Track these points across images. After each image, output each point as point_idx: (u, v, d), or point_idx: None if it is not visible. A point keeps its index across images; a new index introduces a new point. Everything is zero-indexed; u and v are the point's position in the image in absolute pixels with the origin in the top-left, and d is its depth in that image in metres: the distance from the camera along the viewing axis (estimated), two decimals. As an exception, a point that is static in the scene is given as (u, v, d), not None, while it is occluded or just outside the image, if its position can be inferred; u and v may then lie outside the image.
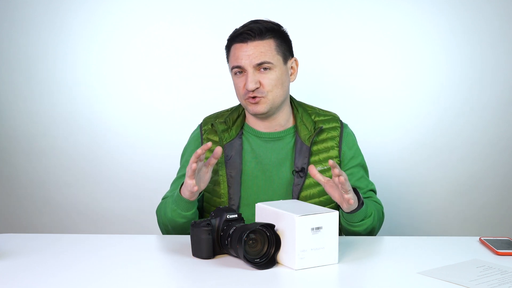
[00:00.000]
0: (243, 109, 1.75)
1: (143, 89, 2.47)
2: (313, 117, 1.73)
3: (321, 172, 1.64)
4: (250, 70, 1.61)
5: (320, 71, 2.40)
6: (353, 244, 1.47)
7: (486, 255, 1.39)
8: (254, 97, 1.62)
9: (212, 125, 1.73)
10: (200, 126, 1.78)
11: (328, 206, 1.63)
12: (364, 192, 1.71)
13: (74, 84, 2.48)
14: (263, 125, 1.71)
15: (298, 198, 1.65)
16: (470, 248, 1.44)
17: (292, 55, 1.70)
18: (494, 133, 2.39)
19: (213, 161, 1.54)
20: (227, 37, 1.69)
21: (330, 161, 1.41)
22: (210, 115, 1.79)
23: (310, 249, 1.27)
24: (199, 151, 1.45)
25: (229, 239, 1.31)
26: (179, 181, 1.71)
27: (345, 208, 1.51)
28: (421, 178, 2.42)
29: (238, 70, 1.64)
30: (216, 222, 1.35)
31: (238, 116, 1.74)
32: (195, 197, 1.54)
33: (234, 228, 1.31)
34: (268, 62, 1.61)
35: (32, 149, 2.51)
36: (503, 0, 2.34)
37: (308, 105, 1.78)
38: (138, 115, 2.47)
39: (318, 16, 2.39)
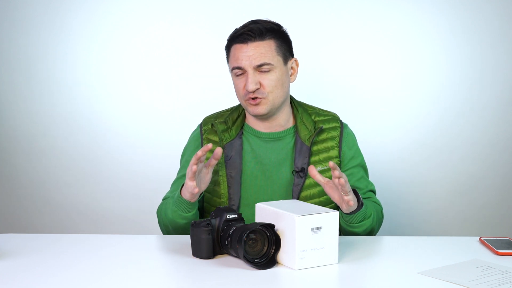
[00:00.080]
0: (243, 109, 1.75)
1: (143, 89, 2.47)
2: (313, 117, 1.73)
3: (321, 172, 1.64)
4: (250, 71, 1.61)
5: (320, 71, 2.40)
6: (353, 244, 1.47)
7: (486, 255, 1.39)
8: (254, 98, 1.62)
9: (212, 125, 1.73)
10: (200, 126, 1.78)
11: (328, 206, 1.62)
12: (364, 193, 1.71)
13: (74, 84, 2.48)
14: (263, 125, 1.71)
15: (298, 198, 1.65)
16: (470, 248, 1.44)
17: (292, 55, 1.70)
18: (494, 133, 2.39)
19: (213, 162, 1.53)
20: (227, 37, 1.69)
21: (330, 163, 1.41)
22: (210, 115, 1.79)
23: (310, 249, 1.27)
24: (199, 153, 1.45)
25: (229, 239, 1.31)
26: (179, 182, 1.71)
27: (345, 209, 1.51)
28: (421, 178, 2.42)
29: (238, 71, 1.64)
30: (216, 222, 1.35)
31: (238, 116, 1.74)
32: (195, 198, 1.54)
33: (234, 228, 1.31)
34: (269, 64, 1.61)
35: (32, 149, 2.51)
36: (503, 0, 2.34)
37: (308, 105, 1.78)
38: (138, 115, 2.47)
39: (318, 16, 2.39)
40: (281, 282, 1.24)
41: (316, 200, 1.65)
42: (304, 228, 1.26)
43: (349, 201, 1.45)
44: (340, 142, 1.71)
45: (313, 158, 1.68)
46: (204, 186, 1.56)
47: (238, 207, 1.66)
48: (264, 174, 1.69)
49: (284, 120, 1.72)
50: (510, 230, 2.39)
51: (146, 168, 2.47)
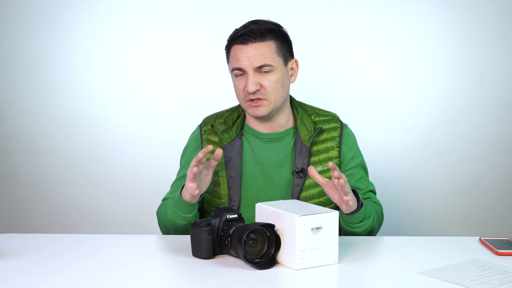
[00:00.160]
0: (243, 109, 1.75)
1: (143, 89, 2.47)
2: (313, 117, 1.73)
3: (321, 172, 1.64)
4: (250, 72, 1.61)
5: (320, 71, 2.40)
6: (353, 244, 1.47)
7: (486, 255, 1.39)
8: (254, 100, 1.62)
9: (212, 125, 1.73)
10: (200, 126, 1.77)
11: (328, 206, 1.62)
12: (364, 193, 1.71)
13: (74, 84, 2.48)
14: (263, 126, 1.71)
15: (298, 199, 1.65)
16: (470, 248, 1.44)
17: (292, 56, 1.70)
18: (494, 133, 2.39)
19: (214, 163, 1.53)
20: (227, 37, 1.68)
21: (330, 163, 1.41)
22: (209, 116, 1.79)
23: (310, 249, 1.27)
24: (200, 155, 1.45)
25: (229, 239, 1.31)
26: (179, 183, 1.71)
27: (344, 209, 1.51)
28: (421, 178, 2.42)
29: (238, 72, 1.63)
30: (216, 222, 1.35)
31: (238, 117, 1.74)
32: (196, 200, 1.54)
33: (234, 228, 1.31)
34: (269, 65, 1.60)
35: (32, 149, 2.51)
36: (503, 0, 2.34)
37: (308, 105, 1.77)
38: (138, 115, 2.47)
39: (318, 16, 2.39)
40: (281, 282, 1.24)
41: (316, 200, 1.65)
42: (304, 228, 1.26)
43: (349, 202, 1.45)
44: (340, 143, 1.71)
45: (313, 159, 1.68)
46: (204, 188, 1.56)
47: (238, 207, 1.66)
48: (264, 174, 1.69)
49: (284, 120, 1.72)
50: (510, 230, 2.39)
51: (146, 168, 2.47)
